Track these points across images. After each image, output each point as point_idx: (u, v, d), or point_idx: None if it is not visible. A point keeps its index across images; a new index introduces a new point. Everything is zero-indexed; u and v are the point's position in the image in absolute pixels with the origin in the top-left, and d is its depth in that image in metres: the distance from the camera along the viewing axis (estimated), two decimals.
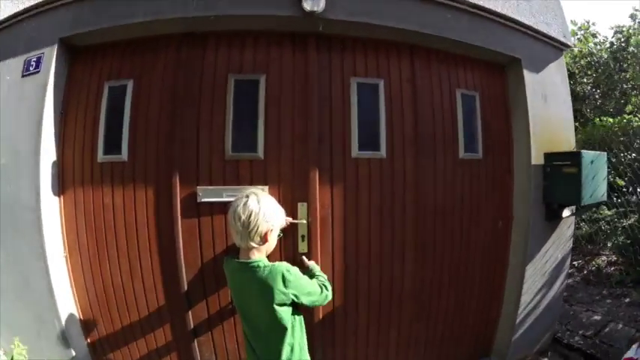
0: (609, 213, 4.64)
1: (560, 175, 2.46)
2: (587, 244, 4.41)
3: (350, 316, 2.24)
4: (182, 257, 2.07)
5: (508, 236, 2.59)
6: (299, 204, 2.10)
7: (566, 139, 2.74)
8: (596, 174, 2.51)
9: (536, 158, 2.51)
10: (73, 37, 2.16)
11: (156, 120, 2.10)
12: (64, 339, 2.08)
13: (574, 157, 2.42)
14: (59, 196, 2.17)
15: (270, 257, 1.61)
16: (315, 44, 2.17)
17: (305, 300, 1.58)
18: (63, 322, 2.08)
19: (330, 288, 1.73)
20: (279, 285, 1.48)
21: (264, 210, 1.51)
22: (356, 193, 2.19)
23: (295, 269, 1.58)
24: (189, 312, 2.12)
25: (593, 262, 4.22)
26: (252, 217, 1.48)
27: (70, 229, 2.18)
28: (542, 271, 2.67)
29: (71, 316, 2.14)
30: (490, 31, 2.40)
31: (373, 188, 2.21)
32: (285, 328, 1.52)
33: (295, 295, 1.53)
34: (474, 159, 2.46)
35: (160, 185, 2.08)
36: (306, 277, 1.64)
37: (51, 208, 2.11)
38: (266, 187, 2.06)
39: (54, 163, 2.14)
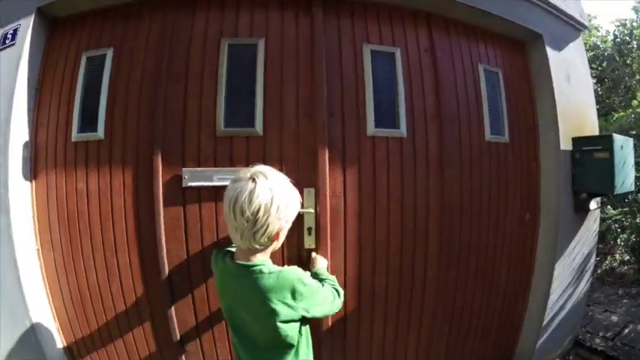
0: (614, 212, 4.08)
1: (591, 161, 1.98)
2: (599, 242, 3.84)
3: (364, 322, 1.69)
4: (165, 253, 1.53)
5: (536, 229, 2.05)
6: (305, 190, 1.55)
7: (590, 123, 2.26)
8: (626, 160, 2.04)
9: (564, 143, 2.01)
10: (51, 5, 1.69)
11: (137, 90, 1.59)
12: (37, 340, 1.60)
13: (605, 141, 1.95)
14: (31, 181, 1.66)
15: (271, 255, 1.08)
16: (321, 6, 1.65)
17: (317, 312, 1.07)
18: (35, 323, 1.59)
19: (342, 292, 1.22)
20: (288, 298, 0.98)
21: (279, 202, 0.97)
22: (373, 177, 1.64)
23: (309, 278, 1.07)
24: (175, 317, 1.58)
25: (607, 262, 3.65)
26: (262, 214, 0.95)
27: (42, 219, 1.67)
28: (570, 268, 2.16)
29: (44, 315, 1.64)
30: (510, 2, 1.90)
31: (393, 172, 1.66)
32: (289, 346, 1.03)
33: (306, 310, 1.02)
34: (501, 142, 1.92)
35: (139, 166, 1.55)
36: (319, 285, 1.14)
37: (22, 195, 1.62)
38: None
39: (26, 143, 1.65)
